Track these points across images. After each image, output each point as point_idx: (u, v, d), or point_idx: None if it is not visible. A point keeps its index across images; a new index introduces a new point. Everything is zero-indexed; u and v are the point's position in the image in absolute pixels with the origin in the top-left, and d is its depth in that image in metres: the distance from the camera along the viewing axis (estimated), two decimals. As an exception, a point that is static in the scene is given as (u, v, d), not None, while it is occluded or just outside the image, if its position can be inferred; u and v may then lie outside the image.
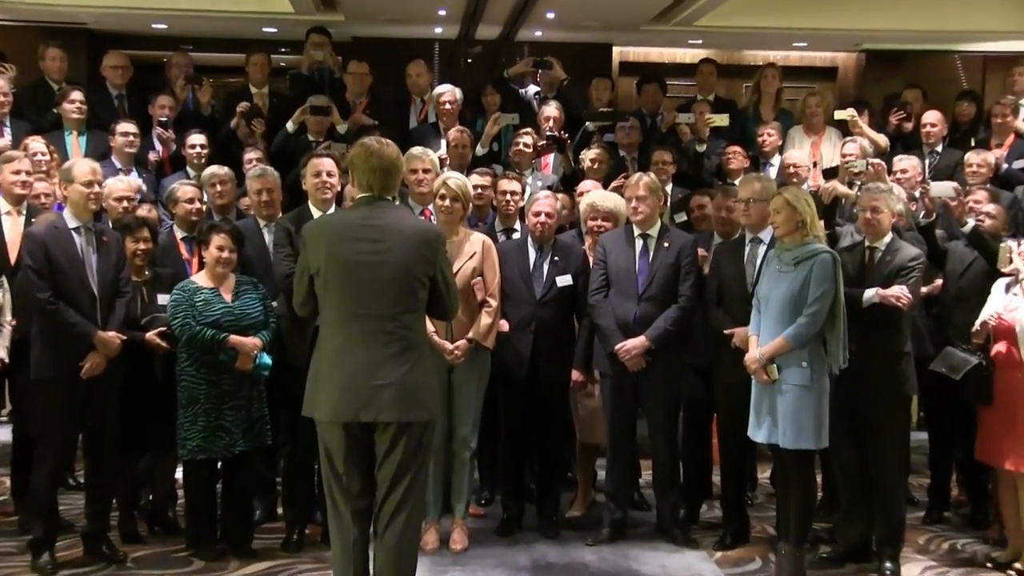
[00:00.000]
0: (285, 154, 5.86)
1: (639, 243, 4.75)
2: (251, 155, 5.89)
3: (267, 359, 4.48)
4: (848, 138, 6.18)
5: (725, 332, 4.56)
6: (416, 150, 5.17)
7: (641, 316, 4.64)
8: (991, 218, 4.91)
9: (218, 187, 5.34)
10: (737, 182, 5.08)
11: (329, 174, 4.58)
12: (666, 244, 4.72)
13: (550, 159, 6.48)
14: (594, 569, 4.45)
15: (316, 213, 4.58)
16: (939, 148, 6.57)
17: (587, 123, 6.65)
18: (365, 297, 3.26)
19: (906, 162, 5.83)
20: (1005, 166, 6.22)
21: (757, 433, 4.32)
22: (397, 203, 3.41)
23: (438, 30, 8.11)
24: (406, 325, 3.28)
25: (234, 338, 4.42)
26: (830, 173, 5.85)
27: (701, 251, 4.83)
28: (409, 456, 3.29)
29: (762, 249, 4.60)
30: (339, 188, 4.65)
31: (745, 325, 4.44)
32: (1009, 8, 7.65)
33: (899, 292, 4.32)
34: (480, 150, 6.21)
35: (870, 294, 4.36)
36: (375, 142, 3.35)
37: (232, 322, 4.48)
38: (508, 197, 5.24)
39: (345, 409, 3.26)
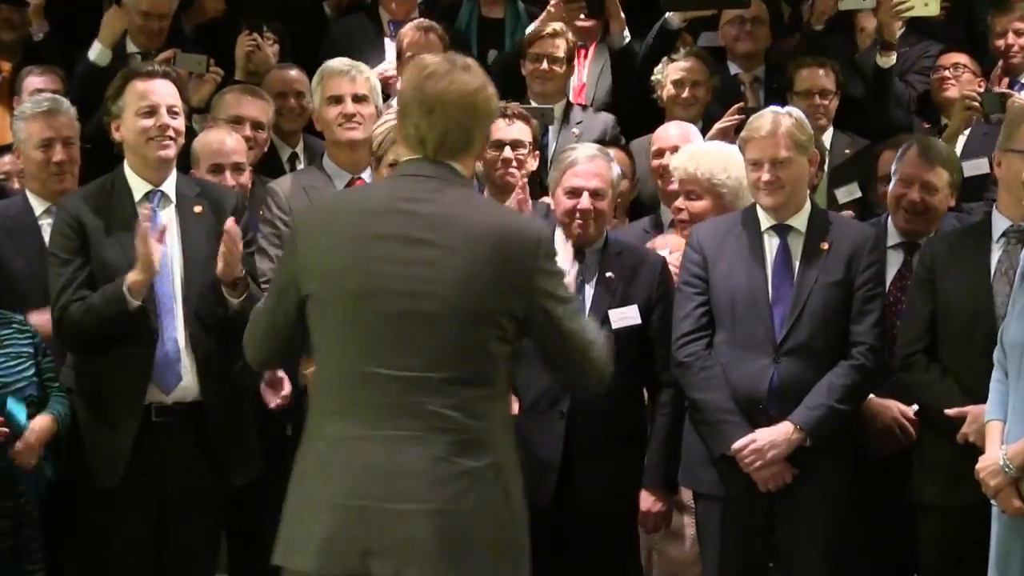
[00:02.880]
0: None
1: (771, 243, 4.57)
2: (36, 78, 5.84)
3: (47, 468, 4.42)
4: None
5: (948, 414, 4.35)
6: (338, 63, 5.15)
7: (782, 384, 4.45)
8: None
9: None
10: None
11: (171, 111, 4.43)
12: (825, 246, 4.52)
13: (589, 67, 6.36)
14: None
15: (139, 186, 4.47)
16: None
17: (667, 13, 6.39)
18: (388, 345, 3.19)
19: None
20: None
21: (1003, 609, 4.20)
22: (465, 179, 3.38)
23: None
24: (465, 404, 3.19)
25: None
26: None
27: None
28: None
29: (1028, 252, 4.50)
30: (182, 138, 4.53)
31: (984, 398, 4.25)
32: None
33: None
34: None
35: None
36: (441, 60, 3.33)
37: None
38: (508, 153, 5.14)
39: (340, 550, 3.18)
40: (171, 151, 4.42)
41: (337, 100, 4.98)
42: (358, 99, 4.98)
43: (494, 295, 3.23)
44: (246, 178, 4.95)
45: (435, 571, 3.16)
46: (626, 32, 6.35)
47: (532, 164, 5.18)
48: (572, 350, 3.35)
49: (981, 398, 4.27)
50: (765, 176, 4.48)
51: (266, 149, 5.39)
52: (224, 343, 4.38)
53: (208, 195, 4.43)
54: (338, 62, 5.15)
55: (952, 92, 6.14)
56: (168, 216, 4.32)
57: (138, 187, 4.40)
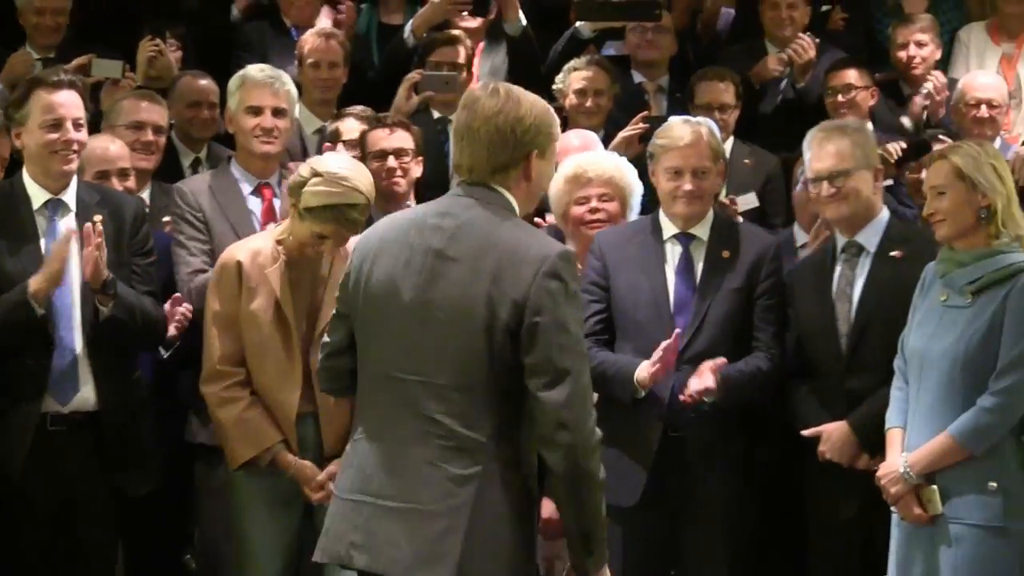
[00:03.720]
0: None
1: (674, 252, 4.61)
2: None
3: None
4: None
5: (803, 434, 4.47)
6: (259, 73, 5.08)
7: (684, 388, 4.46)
8: None
9: None
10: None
11: (76, 123, 4.40)
12: (726, 254, 4.57)
13: (478, 68, 6.40)
14: None
15: (38, 194, 4.47)
16: None
17: (578, 23, 6.51)
18: (406, 350, 3.32)
19: None
20: None
21: (903, 614, 4.25)
22: (505, 198, 3.43)
23: None
24: (458, 412, 3.26)
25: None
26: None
27: None
28: None
29: (864, 265, 4.54)
30: (83, 143, 4.49)
31: (838, 417, 4.40)
32: None
33: None
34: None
35: None
36: (477, 89, 3.42)
37: None
38: (392, 162, 5.15)
39: (333, 541, 3.33)
40: (74, 164, 4.42)
41: (256, 111, 4.93)
42: (277, 112, 4.95)
43: (492, 307, 3.26)
44: (132, 183, 4.86)
45: (403, 570, 3.21)
46: (521, 16, 6.36)
47: (417, 171, 5.17)
48: (559, 357, 3.24)
49: (837, 416, 4.39)
50: (687, 186, 4.48)
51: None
52: (122, 353, 4.35)
53: (109, 203, 4.38)
54: (259, 71, 5.09)
55: (848, 118, 5.73)
56: (68, 225, 4.28)
57: (37, 196, 4.39)
